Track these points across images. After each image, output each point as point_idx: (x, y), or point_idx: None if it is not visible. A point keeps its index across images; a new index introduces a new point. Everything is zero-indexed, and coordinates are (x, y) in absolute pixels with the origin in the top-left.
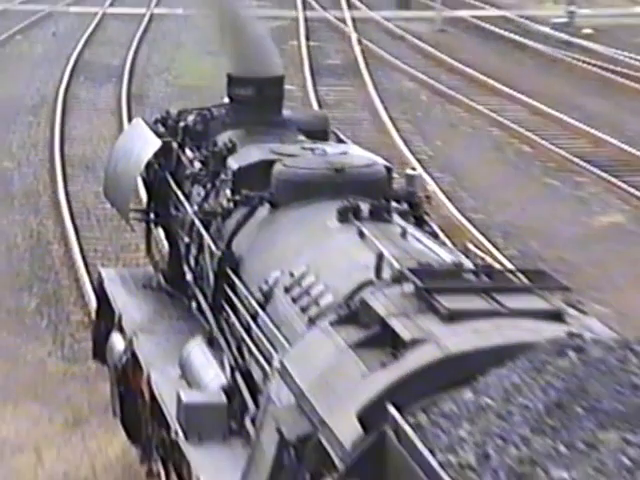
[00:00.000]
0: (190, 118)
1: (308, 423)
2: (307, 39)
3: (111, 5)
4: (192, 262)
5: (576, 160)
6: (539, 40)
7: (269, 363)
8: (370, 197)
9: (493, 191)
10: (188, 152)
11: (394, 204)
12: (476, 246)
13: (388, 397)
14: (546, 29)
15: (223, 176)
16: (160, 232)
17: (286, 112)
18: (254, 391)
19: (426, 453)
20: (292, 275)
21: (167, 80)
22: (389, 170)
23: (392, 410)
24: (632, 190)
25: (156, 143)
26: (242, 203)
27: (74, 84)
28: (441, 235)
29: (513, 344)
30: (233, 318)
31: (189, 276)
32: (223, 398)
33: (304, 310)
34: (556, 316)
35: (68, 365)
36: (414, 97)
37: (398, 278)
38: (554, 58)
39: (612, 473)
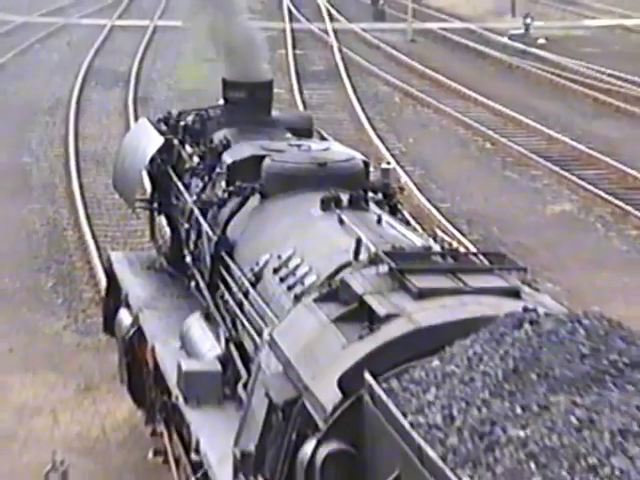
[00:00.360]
0: (189, 118)
1: (294, 389)
2: (293, 48)
3: (119, 18)
4: (191, 246)
5: (532, 155)
6: (499, 49)
7: (259, 335)
8: (349, 188)
9: (458, 183)
10: (187, 148)
11: (371, 194)
12: (443, 232)
13: (365, 365)
14: (505, 39)
15: (219, 170)
16: (163, 219)
17: (275, 113)
18: (246, 360)
19: (398, 415)
20: (280, 258)
21: (169, 84)
22: (366, 164)
23: (368, 377)
24: (580, 182)
25: (159, 140)
26: (235, 194)
27: (86, 88)
28: (412, 222)
29: (476, 318)
30: (227, 296)
31: (188, 258)
32: (218, 367)
33: (290, 288)
34: (513, 293)
35: (81, 338)
36: (388, 99)
37: (374, 260)
38: (512, 65)
39: (562, 431)
